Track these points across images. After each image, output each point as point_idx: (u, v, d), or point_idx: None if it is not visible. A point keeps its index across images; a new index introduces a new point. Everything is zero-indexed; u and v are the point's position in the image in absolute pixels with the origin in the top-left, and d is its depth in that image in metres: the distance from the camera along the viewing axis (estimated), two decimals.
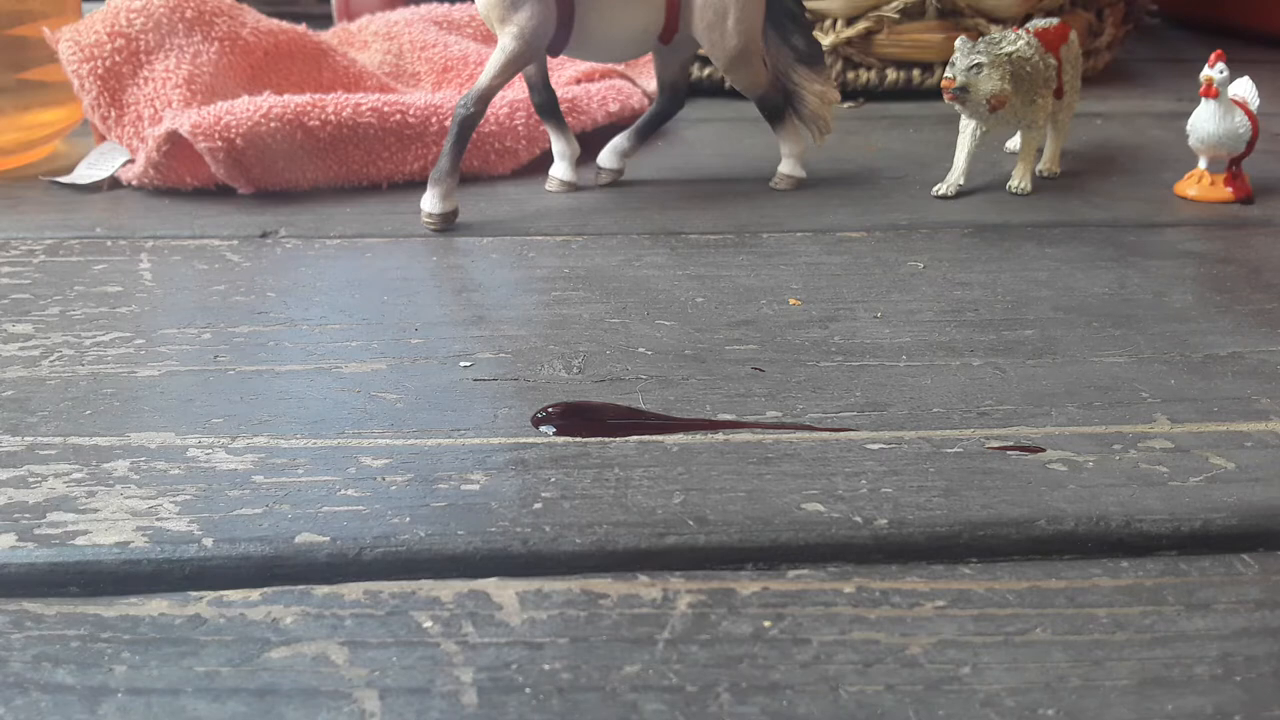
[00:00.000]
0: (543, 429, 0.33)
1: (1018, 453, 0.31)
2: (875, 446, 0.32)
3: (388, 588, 0.26)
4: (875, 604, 0.26)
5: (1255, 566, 0.27)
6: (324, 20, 0.84)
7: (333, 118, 0.55)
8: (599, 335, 0.39)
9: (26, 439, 0.32)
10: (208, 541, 0.27)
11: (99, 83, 0.57)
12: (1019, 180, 0.55)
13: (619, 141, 0.57)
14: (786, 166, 0.56)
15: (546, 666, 0.24)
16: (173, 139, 0.53)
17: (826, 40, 0.74)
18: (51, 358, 0.38)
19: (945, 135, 0.65)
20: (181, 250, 0.48)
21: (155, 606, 0.25)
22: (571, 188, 0.56)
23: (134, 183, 0.55)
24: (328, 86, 0.65)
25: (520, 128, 0.59)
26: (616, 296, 0.43)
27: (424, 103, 0.57)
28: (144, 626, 0.25)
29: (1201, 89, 0.53)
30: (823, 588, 0.26)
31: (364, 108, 0.56)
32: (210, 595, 0.26)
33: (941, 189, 0.55)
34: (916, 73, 0.76)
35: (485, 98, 0.50)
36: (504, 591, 0.26)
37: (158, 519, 0.28)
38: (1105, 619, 0.25)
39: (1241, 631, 0.25)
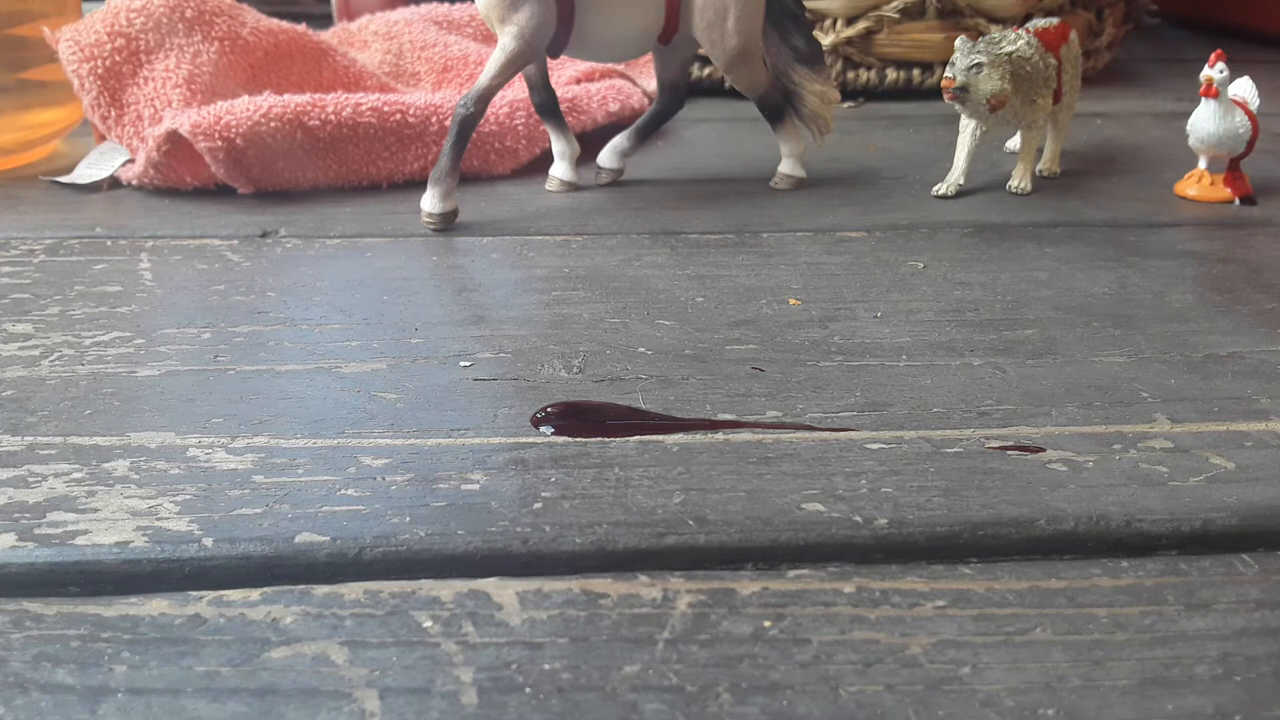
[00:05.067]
0: (543, 429, 0.33)
1: (1018, 453, 0.31)
2: (875, 446, 0.32)
3: (388, 588, 0.26)
4: (875, 604, 0.26)
5: (1255, 566, 0.27)
6: (324, 20, 0.84)
7: (333, 118, 0.55)
8: (599, 335, 0.39)
9: (26, 439, 0.32)
10: (208, 541, 0.27)
11: (99, 83, 0.57)
12: (1019, 180, 0.55)
13: (619, 141, 0.57)
14: (786, 166, 0.56)
15: (546, 666, 0.24)
16: (173, 139, 0.53)
17: (826, 40, 0.74)
18: (51, 358, 0.38)
19: (945, 135, 0.65)
20: (181, 250, 0.48)
21: (155, 606, 0.25)
22: (571, 188, 0.56)
23: (134, 182, 0.55)
24: (328, 86, 0.65)
25: (520, 128, 0.59)
26: (616, 296, 0.43)
27: (424, 103, 0.57)
28: (144, 626, 0.25)
29: (1201, 89, 0.53)
30: (823, 588, 0.26)
31: (364, 108, 0.56)
32: (210, 595, 0.26)
33: (941, 189, 0.55)
34: (916, 73, 0.76)
35: (485, 97, 0.50)
36: (504, 591, 0.26)
37: (158, 519, 0.28)
38: (1105, 619, 0.25)
39: (1241, 631, 0.25)
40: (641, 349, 0.38)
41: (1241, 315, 0.41)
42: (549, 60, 0.54)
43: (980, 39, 0.53)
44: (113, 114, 0.57)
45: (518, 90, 0.60)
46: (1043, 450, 0.32)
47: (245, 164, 0.53)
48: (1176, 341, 0.39)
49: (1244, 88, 0.55)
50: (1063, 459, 0.31)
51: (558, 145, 0.56)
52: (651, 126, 0.57)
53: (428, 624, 0.25)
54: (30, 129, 0.59)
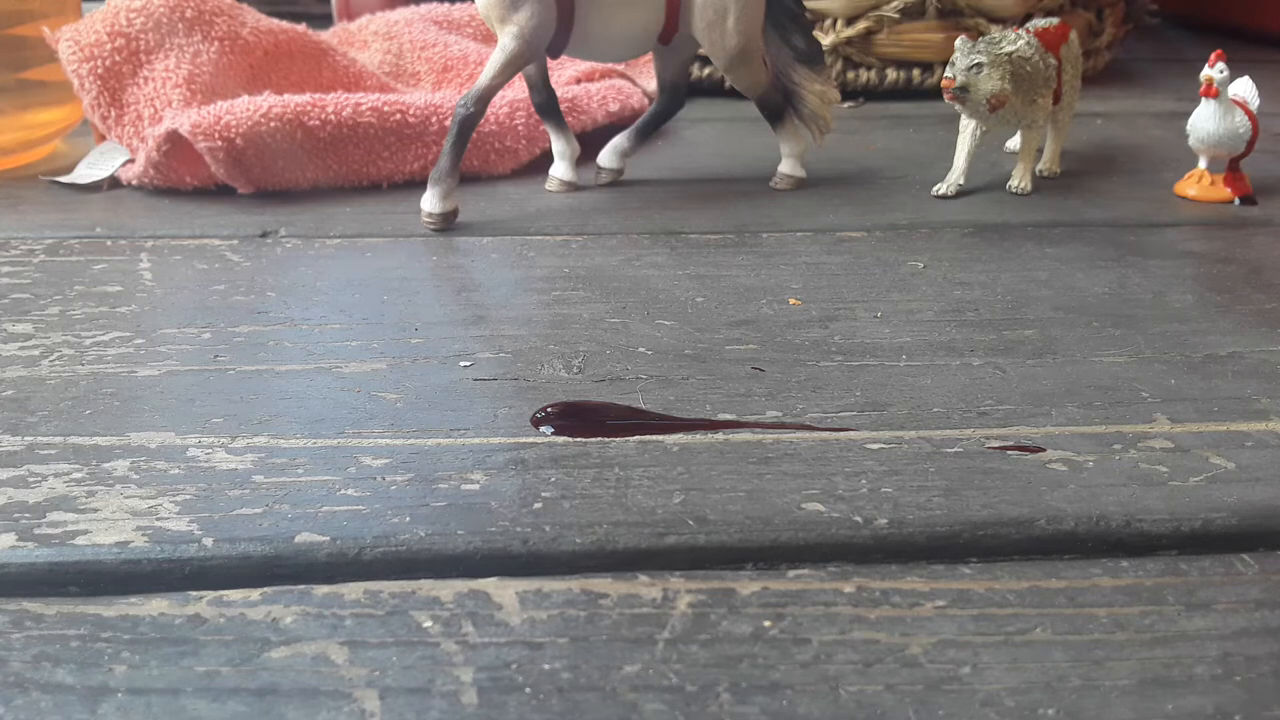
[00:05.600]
0: (543, 429, 0.33)
1: (1018, 453, 0.31)
2: (875, 446, 0.32)
3: (388, 587, 0.26)
4: (875, 604, 0.26)
5: (1255, 566, 0.27)
6: (324, 20, 0.84)
7: (333, 117, 0.55)
8: (599, 335, 0.39)
9: (26, 439, 0.32)
10: (208, 541, 0.27)
11: (99, 82, 0.57)
12: (1019, 180, 0.55)
13: (619, 141, 0.57)
14: (786, 166, 0.56)
15: (546, 666, 0.24)
16: (173, 139, 0.53)
17: (826, 40, 0.74)
18: (51, 357, 0.38)
19: (945, 135, 0.65)
20: (181, 250, 0.48)
21: (155, 606, 0.25)
22: (571, 187, 0.56)
23: (134, 182, 0.55)
24: (328, 86, 0.65)
25: (520, 127, 0.59)
26: (616, 296, 0.43)
27: (424, 103, 0.57)
28: (144, 626, 0.25)
29: (1201, 89, 0.53)
30: (823, 588, 0.26)
31: (364, 107, 0.55)
32: (210, 595, 0.26)
33: (941, 189, 0.55)
34: (916, 73, 0.76)
35: (485, 97, 0.50)
36: (504, 591, 0.26)
37: (158, 519, 0.28)
38: (1105, 619, 0.25)
39: (1241, 631, 0.25)
40: (641, 349, 0.38)
41: (1241, 315, 0.41)
42: (549, 60, 0.54)
43: (980, 39, 0.53)
44: (113, 114, 0.57)
45: (518, 90, 0.60)
46: (1043, 450, 0.32)
47: (245, 164, 0.53)
48: (1176, 341, 0.39)
49: (1244, 88, 0.55)
50: (1063, 459, 0.31)
51: (558, 145, 0.56)
52: (651, 126, 0.57)
53: (428, 624, 0.25)
54: (30, 129, 0.59)
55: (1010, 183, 0.56)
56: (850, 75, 0.75)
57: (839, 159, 0.61)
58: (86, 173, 0.57)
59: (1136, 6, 0.86)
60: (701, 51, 0.54)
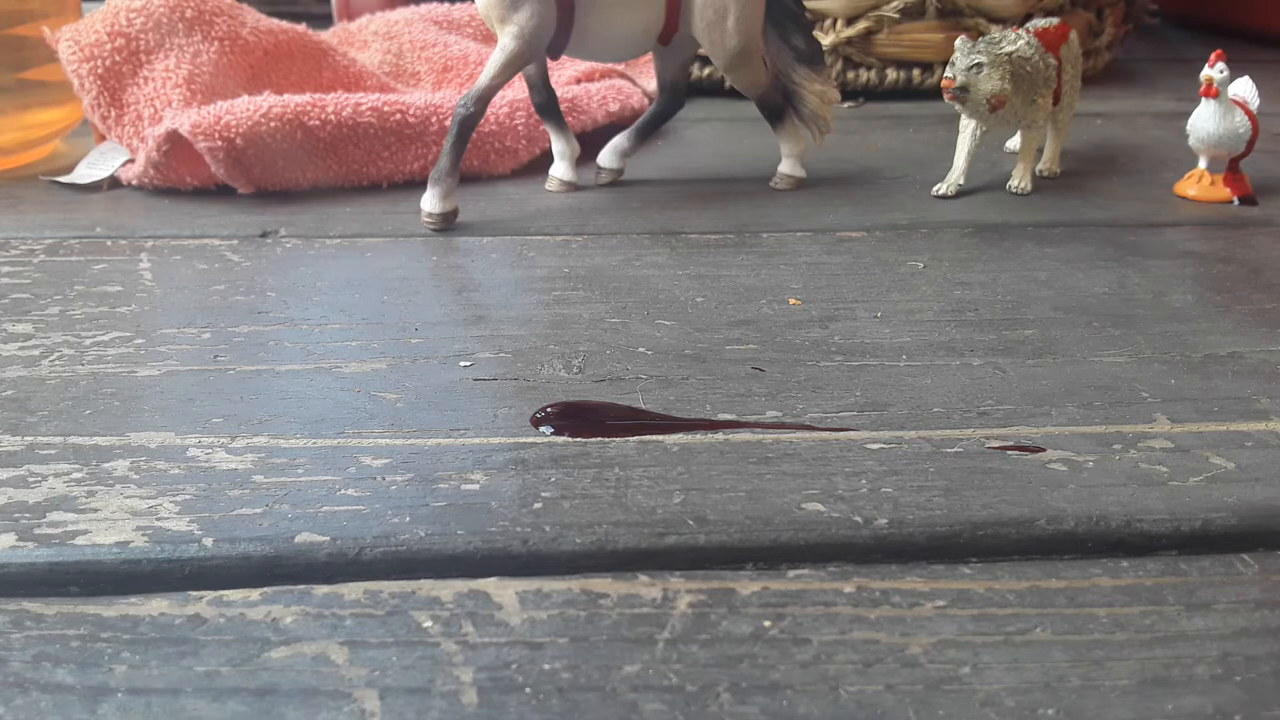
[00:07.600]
0: (543, 429, 0.33)
1: (1018, 453, 0.31)
2: (875, 446, 0.32)
3: (388, 587, 0.26)
4: (875, 604, 0.26)
5: (1255, 566, 0.27)
6: (324, 20, 0.84)
7: (333, 117, 0.55)
8: (599, 335, 0.39)
9: (26, 439, 0.32)
10: (208, 541, 0.27)
11: (99, 82, 0.57)
12: (1019, 180, 0.55)
13: (619, 141, 0.57)
14: (786, 166, 0.56)
15: (546, 666, 0.24)
16: (173, 139, 0.53)
17: (826, 40, 0.74)
18: (51, 357, 0.38)
19: (945, 135, 0.65)
20: (181, 250, 0.48)
21: (155, 606, 0.25)
22: (571, 187, 0.56)
23: (134, 182, 0.55)
24: (328, 86, 0.65)
25: (520, 127, 0.59)
26: (616, 296, 0.43)
27: (424, 103, 0.57)
28: (144, 626, 0.25)
29: (1201, 89, 0.53)
30: (823, 588, 0.26)
31: (364, 108, 0.55)
32: (210, 595, 0.26)
33: (941, 189, 0.55)
34: (916, 73, 0.76)
35: (485, 97, 0.50)
36: (504, 591, 0.26)
37: (158, 519, 0.28)
38: (1105, 619, 0.25)
39: (1241, 631, 0.25)
40: (641, 349, 0.38)
41: (1241, 315, 0.41)
42: (549, 60, 0.54)
43: (980, 39, 0.53)
44: (113, 114, 0.57)
45: (518, 90, 0.60)
46: (1043, 450, 0.32)
47: (245, 164, 0.53)
48: (1176, 341, 0.39)
49: (1244, 88, 0.55)
50: (1063, 459, 0.31)
51: (558, 145, 0.56)
52: (651, 126, 0.57)
53: (428, 624, 0.25)
54: (30, 129, 0.59)
55: (1010, 183, 0.56)
56: (850, 75, 0.75)
57: (839, 159, 0.61)
58: (86, 173, 0.57)
59: (1136, 6, 0.86)
60: (701, 51, 0.54)
